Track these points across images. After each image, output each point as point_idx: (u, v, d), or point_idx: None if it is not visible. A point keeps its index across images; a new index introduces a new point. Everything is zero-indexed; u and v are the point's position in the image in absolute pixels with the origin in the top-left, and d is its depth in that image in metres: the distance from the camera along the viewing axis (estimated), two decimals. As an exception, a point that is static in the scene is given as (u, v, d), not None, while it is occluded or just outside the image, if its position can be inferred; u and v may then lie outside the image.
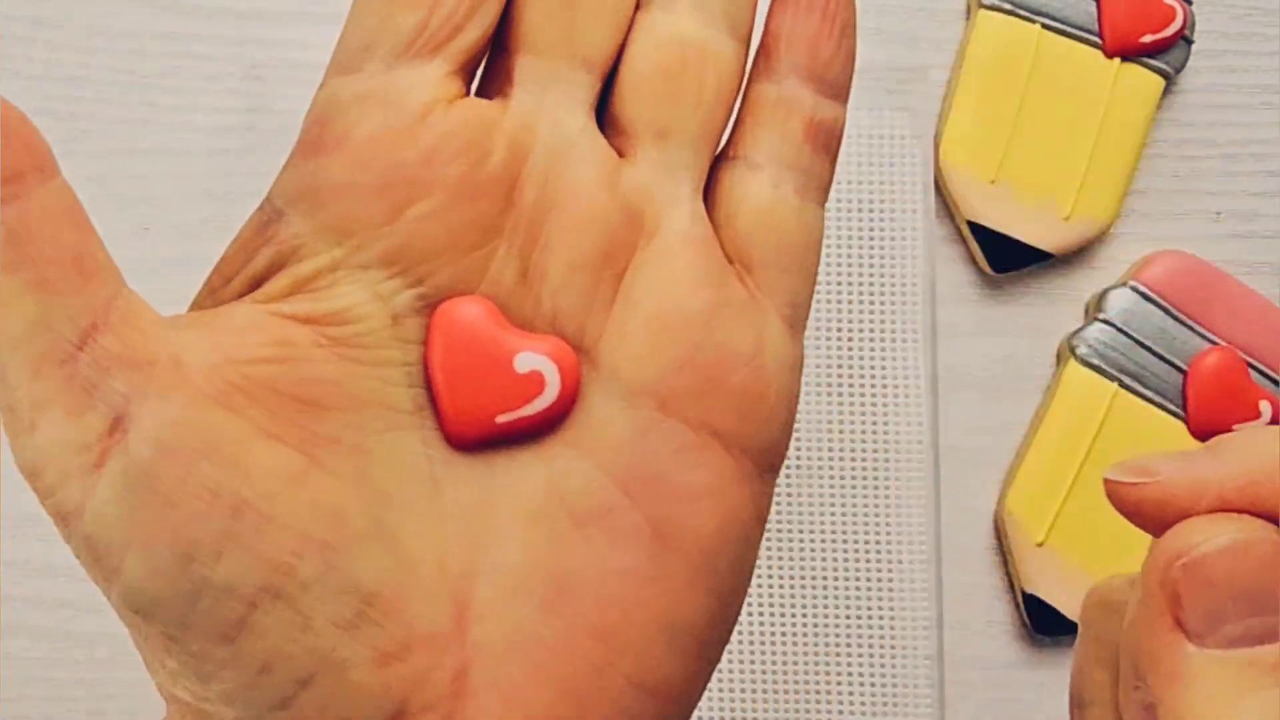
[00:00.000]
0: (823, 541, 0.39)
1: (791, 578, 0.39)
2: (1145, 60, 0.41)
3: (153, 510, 0.18)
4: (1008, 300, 0.42)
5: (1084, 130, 0.41)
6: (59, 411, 0.18)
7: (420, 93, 0.20)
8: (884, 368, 0.40)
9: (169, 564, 0.18)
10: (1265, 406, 0.40)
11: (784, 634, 0.39)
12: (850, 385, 0.40)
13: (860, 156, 0.41)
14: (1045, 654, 0.40)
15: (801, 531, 0.39)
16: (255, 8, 0.41)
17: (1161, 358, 0.39)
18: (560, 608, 0.20)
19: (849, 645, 0.39)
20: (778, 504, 0.39)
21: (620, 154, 0.21)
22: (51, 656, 0.39)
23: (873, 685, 0.38)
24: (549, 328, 0.21)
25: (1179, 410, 0.39)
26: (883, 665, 0.39)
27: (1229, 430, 0.40)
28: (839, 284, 0.41)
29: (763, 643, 0.39)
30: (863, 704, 0.39)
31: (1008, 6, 0.41)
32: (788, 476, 0.40)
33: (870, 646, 0.39)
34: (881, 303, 0.40)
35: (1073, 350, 0.40)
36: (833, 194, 0.41)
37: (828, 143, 0.22)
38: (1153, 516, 0.19)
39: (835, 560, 0.39)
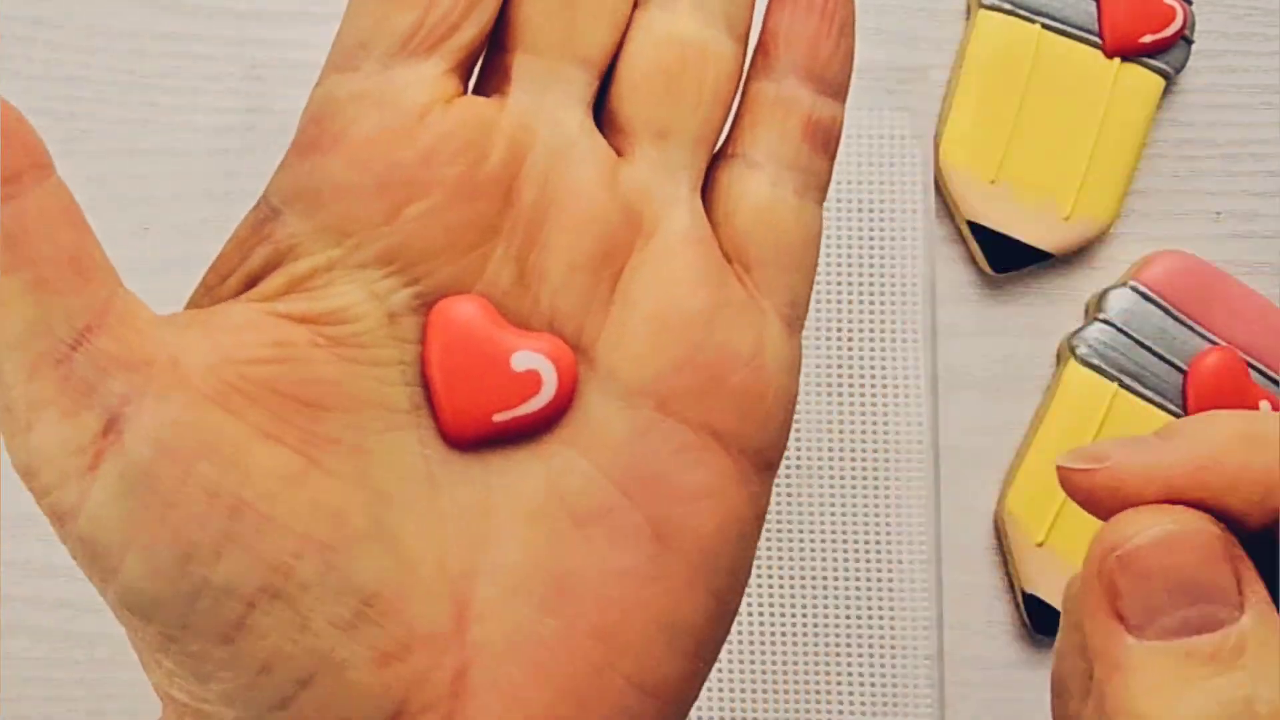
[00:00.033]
0: (823, 541, 0.39)
1: (791, 578, 0.39)
2: (1145, 60, 0.41)
3: (151, 511, 0.18)
4: (1008, 300, 0.42)
5: (1084, 130, 0.40)
6: (55, 412, 0.18)
7: (417, 92, 0.20)
8: (884, 368, 0.40)
9: (168, 564, 0.18)
10: (1265, 406, 0.40)
11: (784, 634, 0.39)
12: (850, 385, 0.40)
13: (860, 156, 0.41)
14: (1045, 654, 0.40)
15: (801, 531, 0.39)
16: (255, 8, 0.41)
17: (1161, 358, 0.39)
18: (560, 608, 0.20)
19: (849, 645, 0.39)
20: (777, 504, 0.39)
21: (618, 153, 0.21)
22: (51, 656, 0.39)
23: (873, 685, 0.38)
24: (547, 327, 0.21)
25: (1179, 410, 0.39)
26: (883, 665, 0.39)
27: (1229, 430, 0.40)
28: (839, 284, 0.41)
29: (763, 643, 0.39)
30: (863, 704, 0.39)
31: (1008, 6, 0.40)
32: (788, 476, 0.40)
33: (870, 646, 0.39)
34: (881, 303, 0.40)
35: (1073, 350, 0.40)
36: (833, 194, 0.41)
37: (826, 141, 0.22)
38: (1104, 503, 0.19)
39: (835, 560, 0.39)
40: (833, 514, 0.39)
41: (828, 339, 0.40)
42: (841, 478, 0.39)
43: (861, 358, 0.40)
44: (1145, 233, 0.42)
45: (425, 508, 0.20)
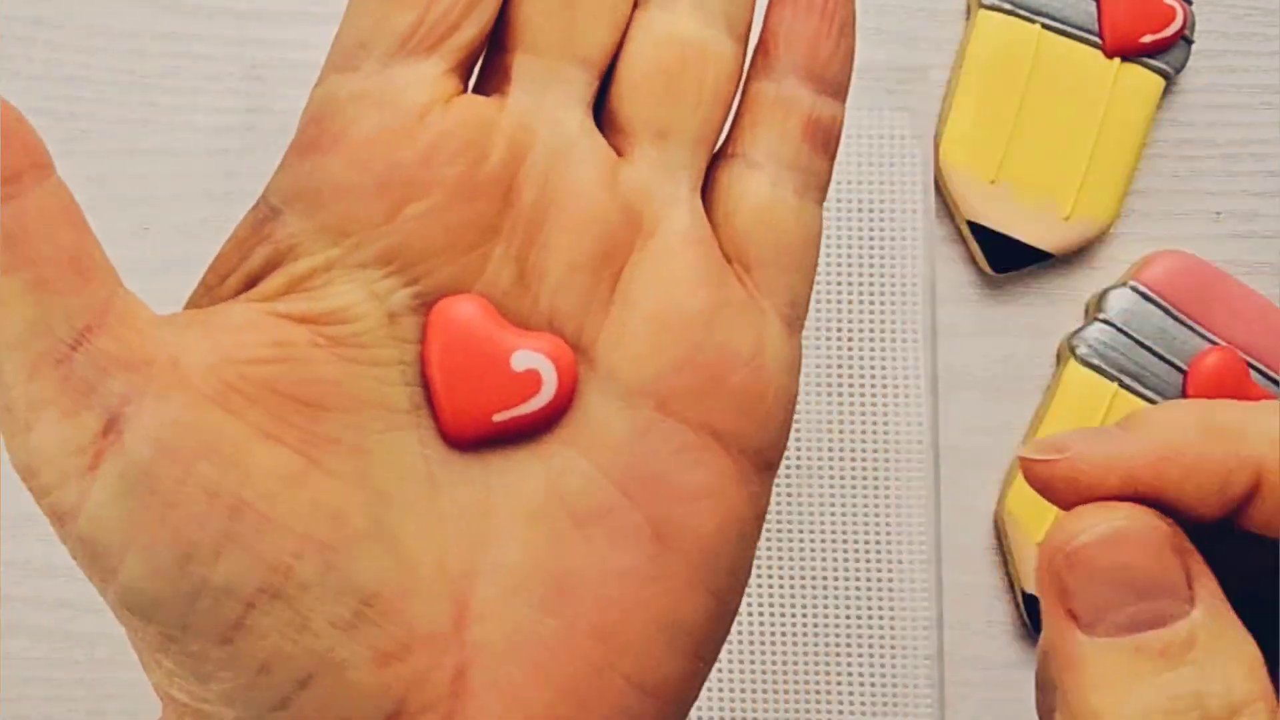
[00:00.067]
0: (823, 541, 0.39)
1: (791, 578, 0.39)
2: (1145, 60, 0.41)
3: (151, 510, 0.18)
4: (1008, 300, 0.42)
5: (1084, 130, 0.40)
6: (55, 412, 0.18)
7: (417, 91, 0.20)
8: (884, 368, 0.40)
9: (167, 564, 0.18)
10: (1265, 406, 0.40)
11: (784, 634, 0.39)
12: (850, 385, 0.40)
13: (860, 156, 0.41)
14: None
15: (801, 531, 0.39)
16: (255, 8, 0.41)
17: (1161, 358, 0.39)
18: (560, 608, 0.20)
19: (849, 645, 0.39)
20: (777, 504, 0.39)
21: (618, 153, 0.21)
22: (51, 656, 0.39)
23: (873, 685, 0.38)
24: (546, 327, 0.21)
25: (1179, 410, 0.39)
26: (883, 665, 0.39)
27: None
28: (839, 284, 0.41)
29: (763, 643, 0.39)
30: (863, 704, 0.39)
31: (1008, 6, 0.40)
32: (788, 476, 0.40)
33: (870, 646, 0.39)
34: (881, 303, 0.40)
35: (1073, 350, 0.40)
36: (833, 194, 0.41)
37: (826, 141, 0.22)
38: (1064, 494, 0.19)
39: (835, 560, 0.39)
40: (833, 514, 0.39)
41: (828, 339, 0.40)
42: (841, 478, 0.39)
43: (861, 358, 0.40)
44: (1145, 233, 0.42)
45: (425, 508, 0.20)
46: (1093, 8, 0.40)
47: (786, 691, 0.38)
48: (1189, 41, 0.41)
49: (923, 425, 0.39)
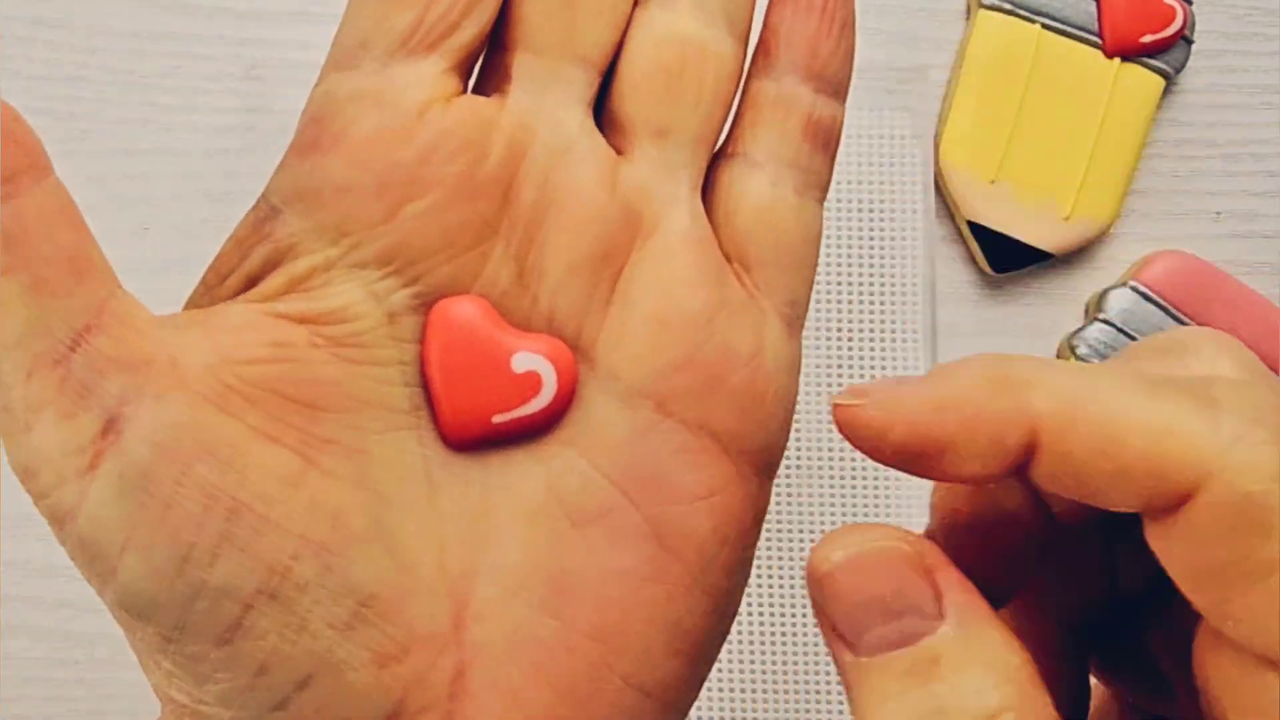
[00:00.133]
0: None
1: (791, 578, 0.39)
2: (1145, 60, 0.41)
3: (149, 512, 0.18)
4: (1008, 300, 0.42)
5: (1084, 130, 0.40)
6: (53, 413, 0.18)
7: (417, 91, 0.20)
8: (884, 368, 0.40)
9: (165, 566, 0.18)
10: None
11: (784, 634, 0.39)
12: (850, 385, 0.40)
13: (860, 156, 0.41)
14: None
15: (801, 531, 0.39)
16: (255, 8, 0.41)
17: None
18: (559, 608, 0.20)
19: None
20: (777, 504, 0.39)
21: (618, 152, 0.21)
22: (51, 656, 0.39)
23: (873, 685, 0.38)
24: (546, 327, 0.21)
25: (1179, 410, 0.39)
26: (883, 665, 0.39)
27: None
28: (839, 284, 0.41)
29: (763, 643, 0.39)
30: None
31: (1008, 6, 0.40)
32: (788, 476, 0.40)
33: (870, 646, 0.39)
34: (881, 303, 0.40)
35: (1073, 350, 0.40)
36: (833, 194, 0.41)
37: (826, 141, 0.22)
38: (861, 439, 0.19)
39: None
40: (833, 514, 0.39)
41: (828, 339, 0.40)
42: (841, 478, 0.39)
43: (861, 358, 0.40)
44: (1145, 233, 0.42)
45: (424, 508, 0.20)
46: (1093, 8, 0.40)
47: (786, 691, 0.38)
48: (1189, 41, 0.41)
49: (923, 425, 0.39)
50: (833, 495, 0.39)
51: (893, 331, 0.40)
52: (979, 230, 0.41)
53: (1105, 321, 0.40)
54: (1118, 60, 0.41)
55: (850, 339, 0.40)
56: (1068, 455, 0.17)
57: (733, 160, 0.22)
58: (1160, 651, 0.20)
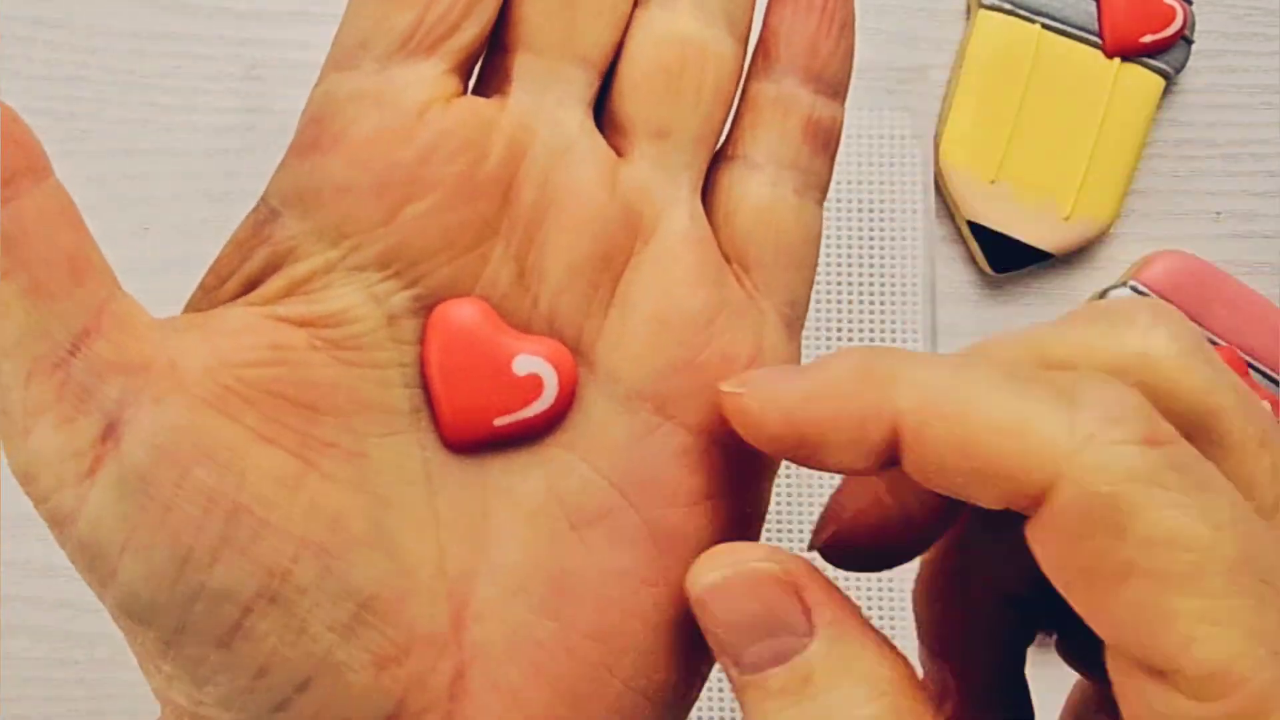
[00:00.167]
0: (823, 541, 0.39)
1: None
2: (1145, 60, 0.41)
3: (148, 515, 0.18)
4: (1008, 300, 0.42)
5: (1084, 130, 0.41)
6: (52, 418, 0.18)
7: (417, 91, 0.20)
8: (884, 368, 0.40)
9: (164, 569, 0.18)
10: (1266, 407, 0.40)
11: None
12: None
13: (860, 156, 0.41)
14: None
15: (802, 531, 0.39)
16: (255, 8, 0.41)
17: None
18: (559, 609, 0.20)
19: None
20: (777, 504, 0.39)
21: (618, 153, 0.21)
22: (51, 656, 0.39)
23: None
24: (546, 329, 0.20)
25: (1179, 410, 0.39)
26: (883, 665, 0.39)
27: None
28: (839, 284, 0.41)
29: (763, 643, 0.39)
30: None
31: (1008, 6, 0.40)
32: (788, 476, 0.39)
33: (870, 646, 0.39)
34: (881, 303, 0.40)
35: (1073, 350, 0.40)
36: (833, 194, 0.41)
37: (826, 142, 0.22)
38: (743, 428, 0.19)
39: (835, 560, 0.39)
40: (833, 514, 0.39)
41: (828, 339, 0.40)
42: (841, 478, 0.39)
43: (861, 358, 0.40)
44: (1145, 233, 0.42)
45: (424, 511, 0.20)
46: (1093, 8, 0.41)
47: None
48: (1189, 41, 0.41)
49: (923, 425, 0.39)
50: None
51: (893, 331, 0.40)
52: (979, 230, 0.41)
53: (1105, 321, 0.40)
54: (1118, 60, 0.41)
55: (850, 339, 0.40)
56: (928, 451, 0.17)
57: (732, 162, 0.22)
58: None
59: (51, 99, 0.41)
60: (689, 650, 0.21)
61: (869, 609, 0.39)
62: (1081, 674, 0.21)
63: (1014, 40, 0.40)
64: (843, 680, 0.18)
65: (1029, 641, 0.21)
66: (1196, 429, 0.17)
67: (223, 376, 0.19)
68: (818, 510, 0.40)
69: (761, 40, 0.22)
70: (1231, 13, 0.42)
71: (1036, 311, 0.41)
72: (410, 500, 0.20)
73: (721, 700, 0.38)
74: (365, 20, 0.20)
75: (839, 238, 0.41)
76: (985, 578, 0.21)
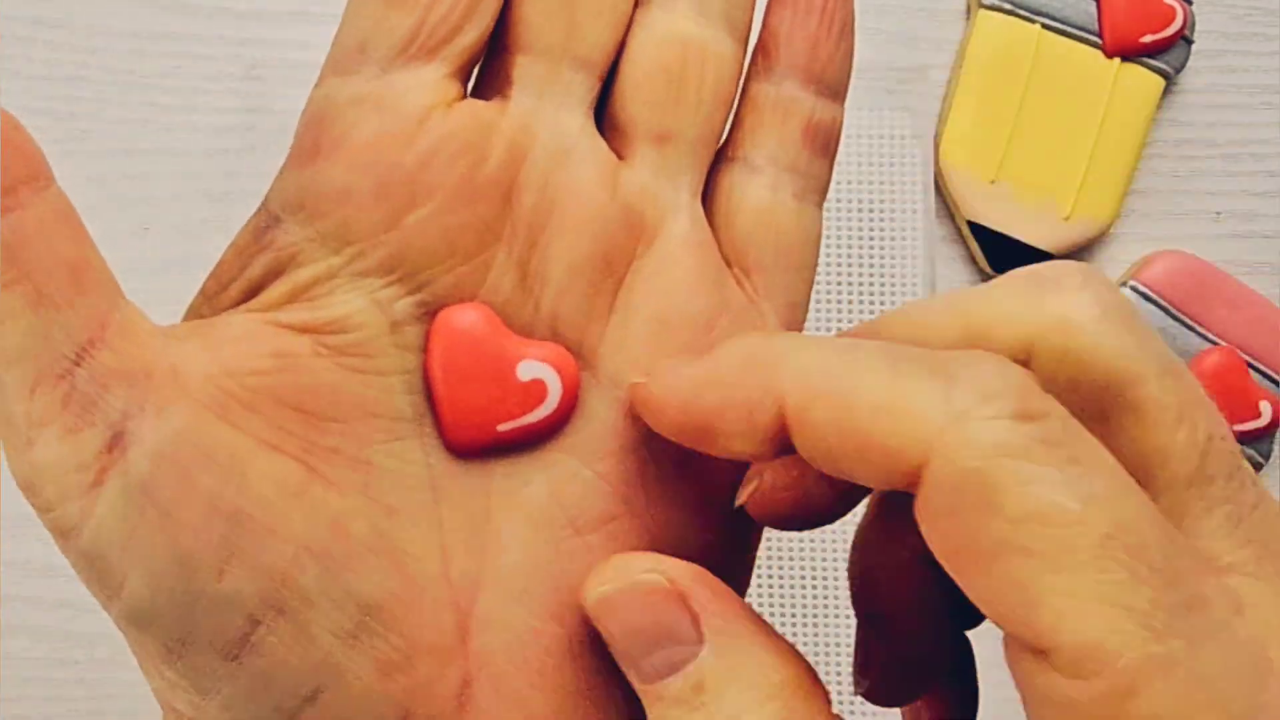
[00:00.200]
0: (823, 541, 0.39)
1: (791, 577, 0.39)
2: (1145, 60, 0.41)
3: (153, 525, 0.18)
4: (1008, 300, 0.41)
5: (1084, 130, 0.41)
6: (56, 429, 0.17)
7: (418, 96, 0.20)
8: (884, 368, 0.40)
9: (170, 578, 0.18)
10: (1265, 406, 0.40)
11: (784, 634, 0.39)
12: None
13: (860, 156, 0.41)
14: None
15: (802, 532, 0.39)
16: (255, 8, 0.41)
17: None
18: (562, 614, 0.20)
19: (849, 645, 0.39)
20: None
21: (619, 155, 0.21)
22: (51, 656, 0.39)
23: (873, 685, 0.38)
24: (548, 333, 0.20)
25: (1179, 410, 0.39)
26: (883, 665, 0.39)
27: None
28: (839, 284, 0.41)
29: (763, 643, 0.39)
30: (863, 704, 0.39)
31: (1008, 6, 0.40)
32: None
33: (870, 646, 0.39)
34: (881, 303, 0.40)
35: (1073, 350, 0.40)
36: (833, 194, 0.41)
37: (826, 144, 0.22)
38: (648, 418, 0.19)
39: (835, 560, 0.39)
40: (833, 514, 0.39)
41: (828, 339, 0.40)
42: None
43: (861, 358, 0.40)
44: (1145, 233, 0.42)
45: (427, 517, 0.20)
46: (1093, 8, 0.41)
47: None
48: (1189, 41, 0.41)
49: (923, 425, 0.39)
50: (833, 495, 0.39)
51: (893, 331, 0.40)
52: (979, 230, 0.41)
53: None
54: (1118, 60, 0.41)
55: (850, 339, 0.40)
56: (812, 434, 0.17)
57: (732, 164, 0.22)
58: None
59: (51, 99, 0.41)
60: None
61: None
62: None
63: (1014, 40, 0.40)
64: (732, 686, 0.18)
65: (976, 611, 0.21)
66: (1112, 398, 0.17)
67: (226, 384, 0.18)
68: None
69: (761, 41, 0.22)
70: (1231, 13, 0.42)
71: (1036, 311, 0.41)
72: (414, 506, 0.20)
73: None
74: (365, 24, 0.20)
75: (839, 238, 0.41)
76: (909, 542, 0.20)
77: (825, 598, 0.39)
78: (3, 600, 0.39)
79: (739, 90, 0.22)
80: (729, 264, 0.22)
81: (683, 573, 0.19)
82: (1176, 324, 0.40)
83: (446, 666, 0.19)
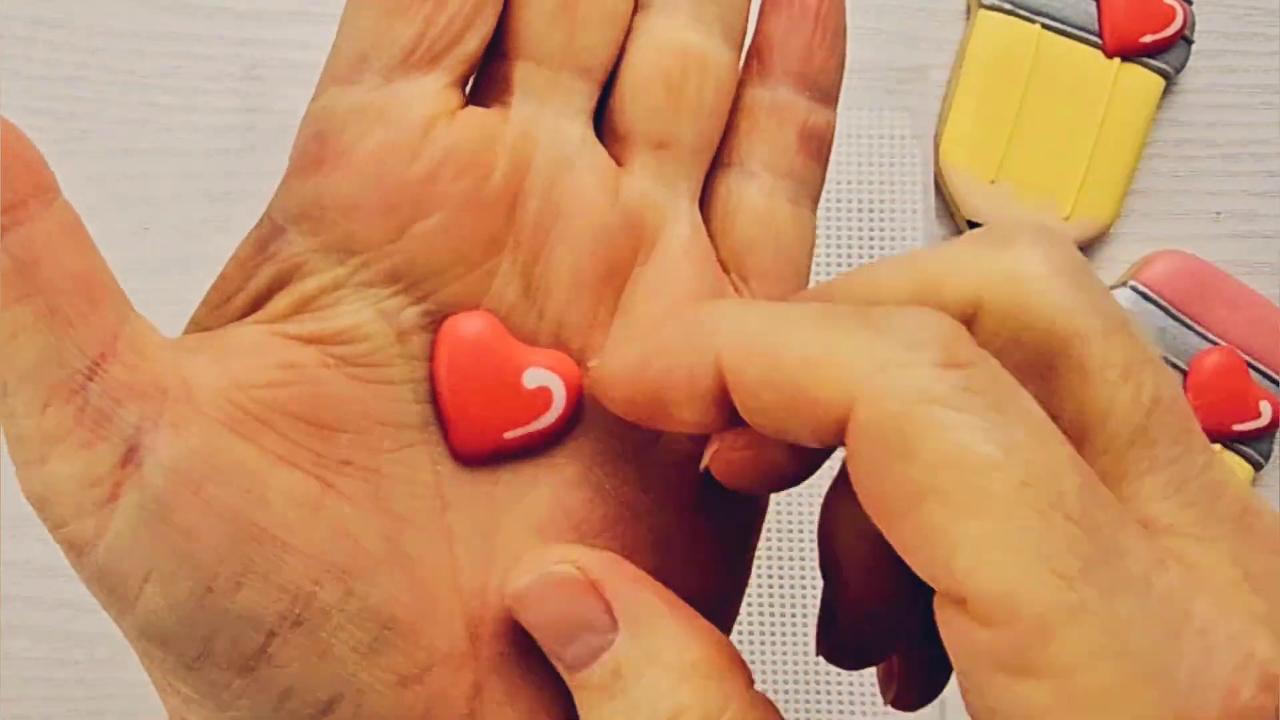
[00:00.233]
0: (823, 541, 0.39)
1: (791, 578, 0.39)
2: (1145, 60, 0.41)
3: (170, 541, 0.17)
4: (1008, 300, 0.41)
5: (1084, 130, 0.41)
6: (71, 444, 0.17)
7: (421, 106, 0.20)
8: (884, 368, 0.40)
9: (188, 595, 0.17)
10: (1265, 406, 0.40)
11: (784, 634, 0.39)
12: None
13: (860, 156, 0.41)
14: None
15: (802, 531, 0.39)
16: (255, 8, 0.41)
17: (1161, 358, 0.39)
18: None
19: (849, 645, 0.39)
20: (777, 504, 0.39)
21: (618, 161, 0.21)
22: (51, 656, 0.39)
23: (873, 685, 0.38)
24: (552, 340, 0.20)
25: (1179, 410, 0.39)
26: (883, 665, 0.39)
27: (1230, 431, 0.40)
28: (839, 284, 0.40)
29: (763, 643, 0.39)
30: (863, 704, 0.39)
31: (1008, 6, 0.41)
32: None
33: (870, 646, 0.39)
34: (881, 303, 0.40)
35: (1073, 350, 0.40)
36: (833, 194, 0.41)
37: (819, 149, 0.22)
38: (600, 398, 0.20)
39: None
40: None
41: (828, 339, 0.40)
42: (841, 478, 0.39)
43: (861, 358, 0.40)
44: (1145, 233, 0.42)
45: (437, 526, 0.20)
46: (1093, 8, 0.41)
47: (786, 691, 0.38)
48: (1189, 41, 0.41)
49: (923, 425, 0.39)
50: (833, 495, 0.39)
51: (893, 331, 0.40)
52: (979, 230, 0.41)
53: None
54: (1118, 60, 0.41)
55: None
56: (748, 393, 0.17)
57: (729, 169, 0.22)
58: None
59: (51, 99, 0.41)
60: None
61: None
62: None
63: (1014, 40, 0.40)
64: (648, 670, 0.18)
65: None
66: (1056, 354, 0.17)
67: (238, 398, 0.18)
68: (818, 511, 0.40)
69: (756, 46, 0.22)
70: (1231, 13, 0.42)
71: (1036, 311, 0.41)
72: (424, 516, 0.20)
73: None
74: (365, 33, 0.20)
75: (839, 238, 0.41)
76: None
77: (825, 598, 0.39)
78: (3, 600, 0.39)
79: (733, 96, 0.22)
80: (726, 269, 0.22)
81: (595, 562, 0.19)
82: (1176, 324, 0.40)
83: (459, 673, 0.19)
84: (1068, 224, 0.40)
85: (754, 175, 0.22)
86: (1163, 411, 0.17)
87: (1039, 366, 0.17)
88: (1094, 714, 0.15)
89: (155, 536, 0.17)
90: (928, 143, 0.41)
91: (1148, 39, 0.40)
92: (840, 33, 0.22)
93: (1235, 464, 0.40)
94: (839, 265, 0.41)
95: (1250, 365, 0.40)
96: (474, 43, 0.20)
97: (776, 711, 0.18)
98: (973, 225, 0.40)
